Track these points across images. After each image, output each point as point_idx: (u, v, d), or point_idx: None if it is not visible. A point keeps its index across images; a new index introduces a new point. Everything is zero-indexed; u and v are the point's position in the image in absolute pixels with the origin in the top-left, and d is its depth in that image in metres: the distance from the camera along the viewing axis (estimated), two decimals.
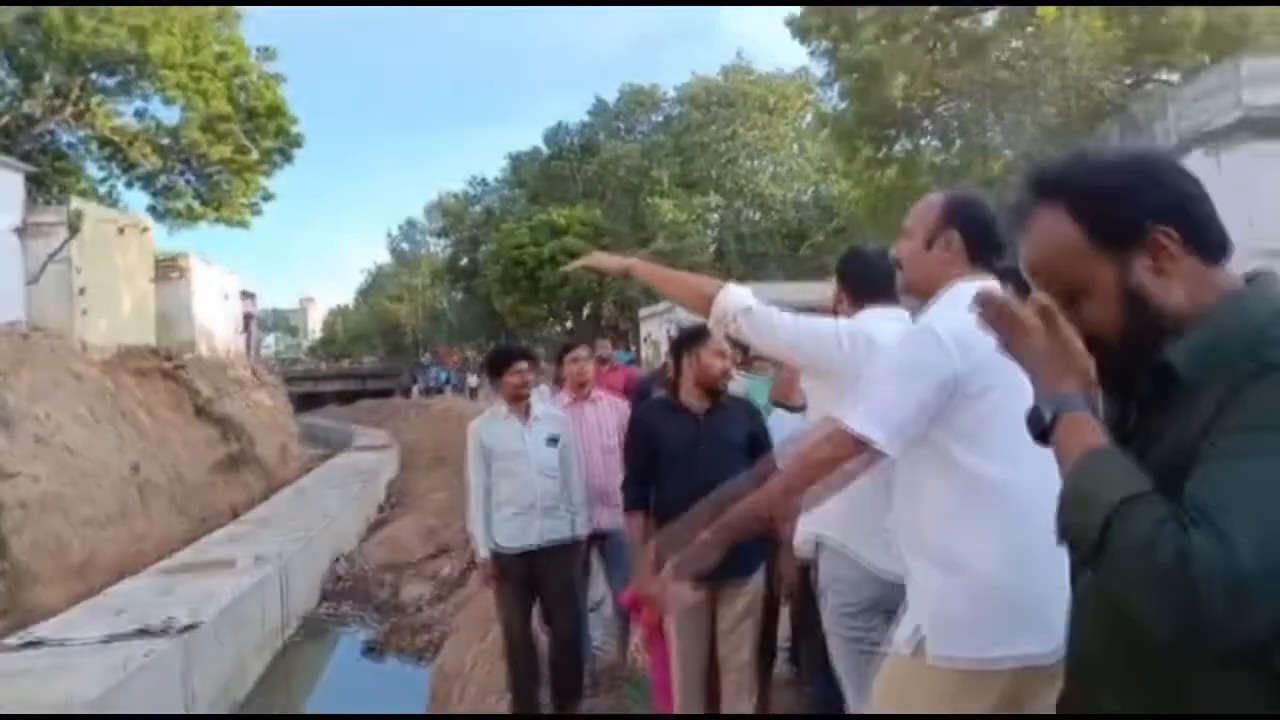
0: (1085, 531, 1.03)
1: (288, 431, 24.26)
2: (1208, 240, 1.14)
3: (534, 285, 37.30)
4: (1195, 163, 12.02)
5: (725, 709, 3.30)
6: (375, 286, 72.59)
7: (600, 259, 2.91)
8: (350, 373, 59.26)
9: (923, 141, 19.37)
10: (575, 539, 4.38)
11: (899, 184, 19.30)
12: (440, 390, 44.02)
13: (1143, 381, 1.17)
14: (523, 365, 4.34)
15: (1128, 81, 14.44)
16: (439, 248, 58.61)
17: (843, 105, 20.59)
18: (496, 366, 4.42)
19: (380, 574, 12.71)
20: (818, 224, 34.15)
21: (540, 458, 4.30)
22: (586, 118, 44.85)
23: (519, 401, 4.34)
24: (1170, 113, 13.16)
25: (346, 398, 51.86)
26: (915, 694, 1.83)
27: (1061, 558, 1.39)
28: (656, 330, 32.90)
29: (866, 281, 2.61)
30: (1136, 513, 0.99)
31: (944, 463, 1.85)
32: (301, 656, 10.22)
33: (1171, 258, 1.12)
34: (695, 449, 3.30)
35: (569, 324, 42.36)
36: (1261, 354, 1.03)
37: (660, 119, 42.20)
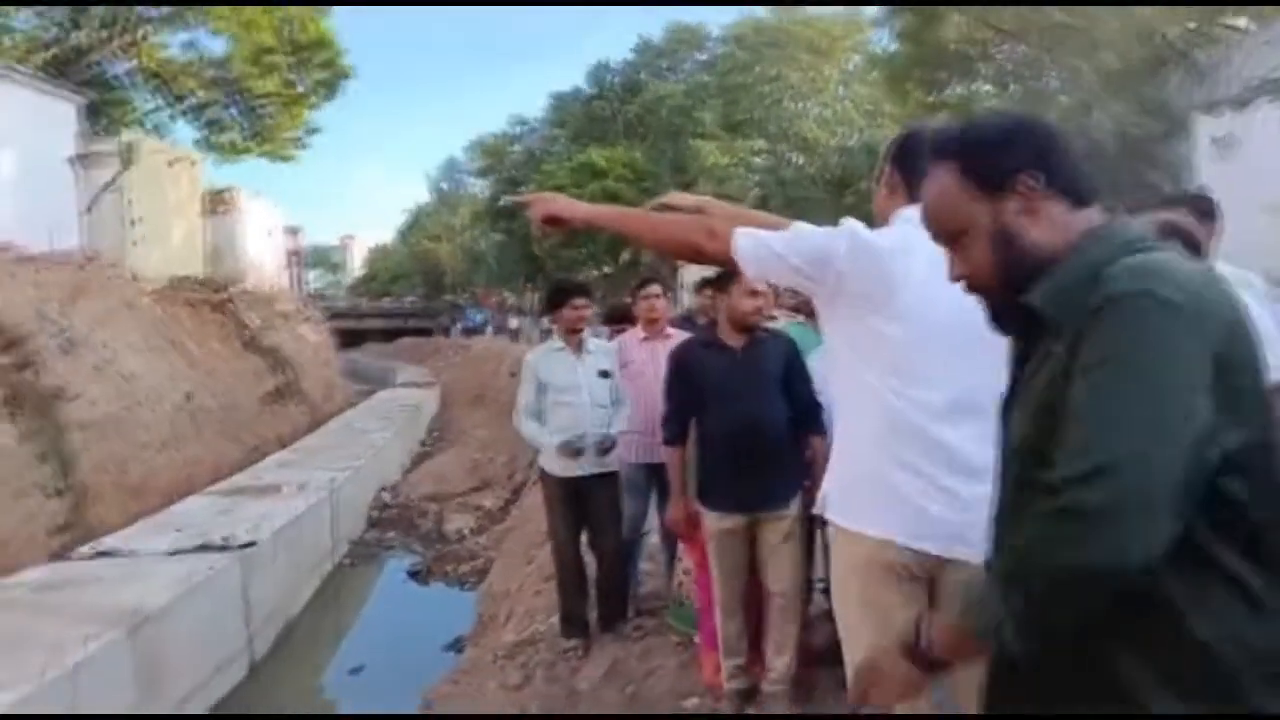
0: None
1: (332, 366, 24.72)
2: (1072, 186, 1.29)
3: (573, 228, 37.21)
4: (1260, 112, 11.65)
5: (771, 633, 3.43)
6: (416, 226, 72.83)
7: (552, 205, 2.34)
8: (391, 311, 59.91)
9: (975, 86, 18.88)
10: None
11: None
12: (480, 331, 44.42)
13: (1016, 323, 1.32)
14: (580, 300, 4.45)
15: (1192, 26, 13.87)
16: (479, 188, 58.50)
17: (895, 48, 20.10)
18: (555, 300, 4.54)
19: (424, 504, 13.10)
20: (864, 170, 33.56)
21: (593, 390, 4.44)
22: (631, 56, 44.22)
23: (574, 335, 4.46)
24: (1236, 60, 12.70)
25: (387, 335, 52.54)
26: (837, 550, 2.19)
27: (937, 464, 1.92)
28: (695, 275, 32.74)
29: (922, 169, 2.41)
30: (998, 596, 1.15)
31: (846, 371, 2.13)
32: (350, 578, 10.61)
33: (1036, 199, 1.28)
34: (733, 383, 3.37)
35: (607, 268, 42.25)
36: (1102, 288, 1.14)
37: (705, 58, 41.41)
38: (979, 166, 1.30)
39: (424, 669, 7.43)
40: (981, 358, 1.59)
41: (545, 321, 36.28)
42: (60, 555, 8.75)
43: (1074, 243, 1.25)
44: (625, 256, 41.75)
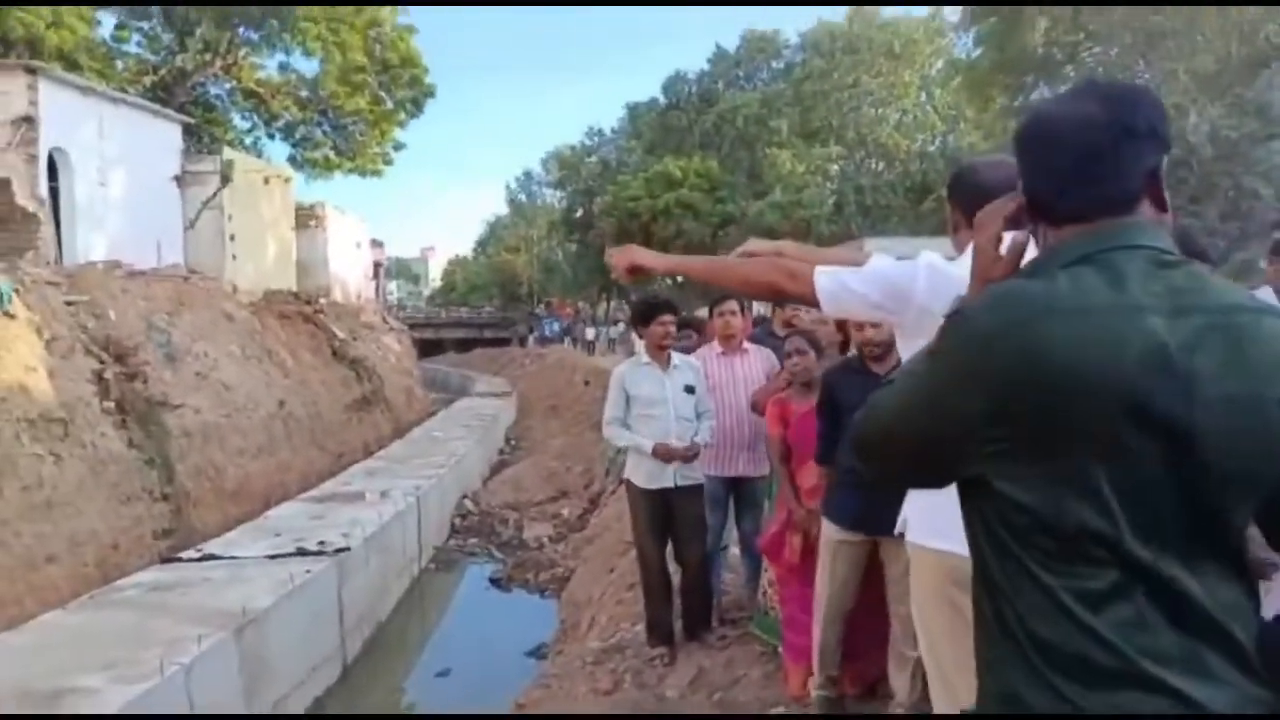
0: None
1: (412, 375, 25.40)
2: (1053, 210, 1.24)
3: (647, 238, 37.36)
4: None
5: (891, 657, 3.45)
6: (493, 237, 74.26)
7: (634, 255, 2.37)
8: (468, 321, 61.07)
9: (1063, 90, 18.44)
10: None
11: None
12: (557, 340, 44.96)
13: None
14: (667, 317, 4.54)
15: None
16: (555, 199, 59.35)
17: (977, 52, 19.76)
18: (644, 316, 4.64)
19: (504, 512, 13.36)
20: (943, 176, 32.97)
21: (678, 404, 4.53)
22: (706, 66, 44.36)
23: (662, 351, 4.55)
24: None
25: (465, 345, 53.57)
26: (915, 571, 2.29)
27: None
28: None
29: (980, 199, 2.41)
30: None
31: None
32: (434, 583, 10.91)
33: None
34: None
35: (679, 279, 42.32)
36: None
37: (781, 66, 41.28)
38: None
39: (509, 673, 7.62)
40: None
41: (612, 331, 36.53)
42: (166, 557, 9.24)
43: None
44: None
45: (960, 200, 2.24)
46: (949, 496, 2.06)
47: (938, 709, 2.24)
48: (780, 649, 4.15)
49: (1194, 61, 12.80)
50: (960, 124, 32.88)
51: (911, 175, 34.29)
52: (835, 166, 36.23)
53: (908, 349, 2.19)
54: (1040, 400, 1.06)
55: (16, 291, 9.96)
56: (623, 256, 2.39)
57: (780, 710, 3.85)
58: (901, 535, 3.31)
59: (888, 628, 3.49)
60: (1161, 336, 1.05)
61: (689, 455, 4.46)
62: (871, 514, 3.36)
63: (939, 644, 2.16)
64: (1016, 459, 1.09)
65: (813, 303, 2.18)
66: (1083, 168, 1.17)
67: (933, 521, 2.15)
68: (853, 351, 4.00)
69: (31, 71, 13.32)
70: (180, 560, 8.30)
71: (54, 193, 13.73)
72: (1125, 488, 1.05)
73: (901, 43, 33.63)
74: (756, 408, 4.54)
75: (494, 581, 10.61)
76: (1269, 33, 12.76)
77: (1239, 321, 1.08)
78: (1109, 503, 1.05)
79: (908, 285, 2.05)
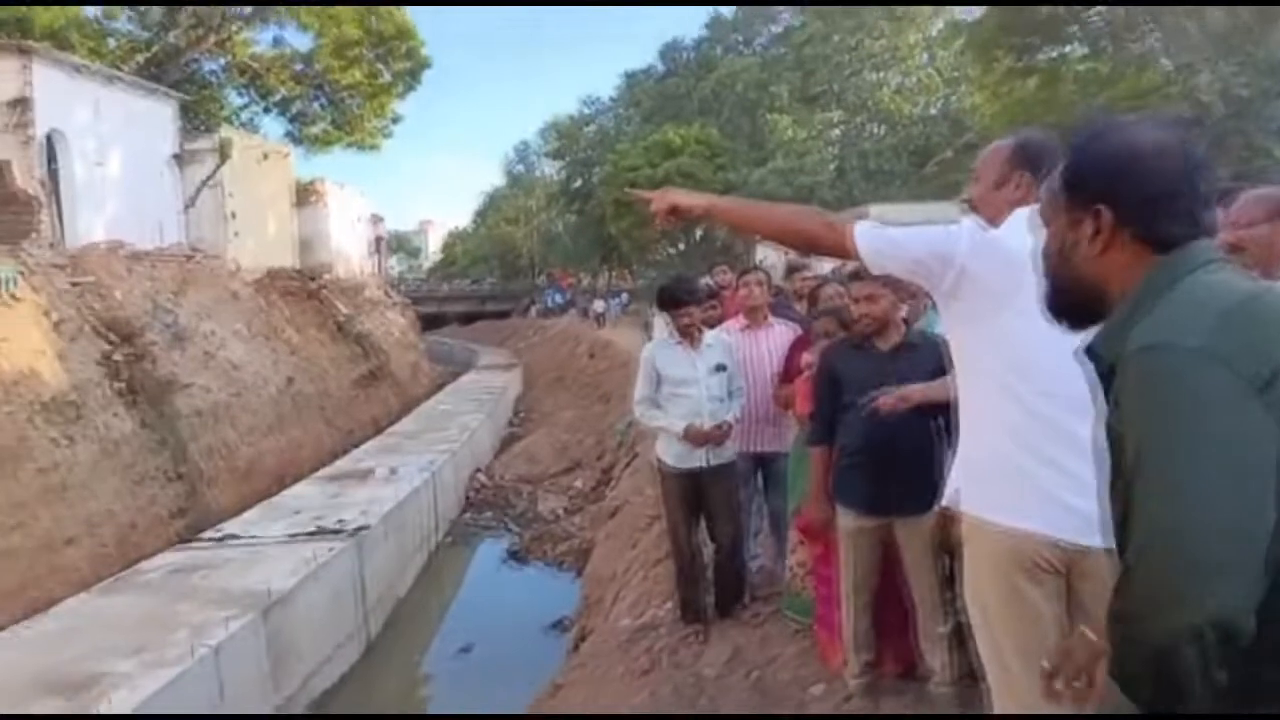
0: None
1: (417, 349, 25.37)
2: (1154, 230, 1.24)
3: (647, 207, 37.12)
4: None
5: (921, 636, 3.43)
6: (491, 209, 73.69)
7: (672, 196, 2.38)
8: (470, 294, 60.87)
9: (1068, 50, 18.14)
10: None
11: (1040, 96, 18.19)
12: (560, 312, 44.81)
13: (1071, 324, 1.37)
14: (687, 311, 4.45)
15: None
16: (553, 170, 58.83)
17: (980, 12, 19.44)
18: (663, 306, 4.57)
19: (517, 485, 13.39)
20: (946, 139, 32.62)
21: (709, 384, 4.47)
22: (704, 32, 43.77)
23: (689, 334, 4.49)
24: None
25: (467, 318, 53.46)
26: (971, 548, 2.17)
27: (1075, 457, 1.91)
28: (773, 255, 32.38)
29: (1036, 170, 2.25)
30: None
31: (972, 365, 2.15)
32: (451, 559, 10.95)
33: (1101, 233, 1.26)
34: (877, 386, 3.33)
35: (681, 246, 42.12)
36: (1132, 336, 1.14)
37: (780, 30, 40.72)
38: (1071, 176, 1.32)
39: (532, 648, 7.68)
40: None
41: (614, 305, 36.27)
42: (182, 538, 9.26)
43: (1131, 288, 1.24)
44: (699, 233, 41.59)
45: (1032, 168, 2.16)
46: (1005, 462, 2.03)
47: (996, 695, 2.19)
48: (815, 626, 4.14)
49: (1205, 19, 12.58)
50: (962, 86, 32.48)
51: (914, 139, 33.96)
52: (837, 131, 35.86)
53: (949, 312, 2.16)
54: None
55: (21, 275, 9.88)
56: (661, 199, 2.37)
57: (820, 687, 3.84)
58: (919, 514, 3.30)
59: (912, 605, 3.48)
60: None
61: (720, 437, 4.41)
62: (883, 496, 3.32)
63: (996, 629, 2.09)
64: None
65: (847, 254, 2.16)
66: (1192, 193, 1.24)
67: (992, 493, 2.08)
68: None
69: (25, 53, 13.12)
70: (200, 541, 8.31)
71: (52, 175, 13.58)
72: None
73: (902, 4, 33.11)
74: (779, 398, 4.51)
75: (511, 554, 10.65)
76: None
77: None
78: None
79: (951, 245, 2.03)
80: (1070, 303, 1.35)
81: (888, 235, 2.08)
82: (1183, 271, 1.20)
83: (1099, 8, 16.53)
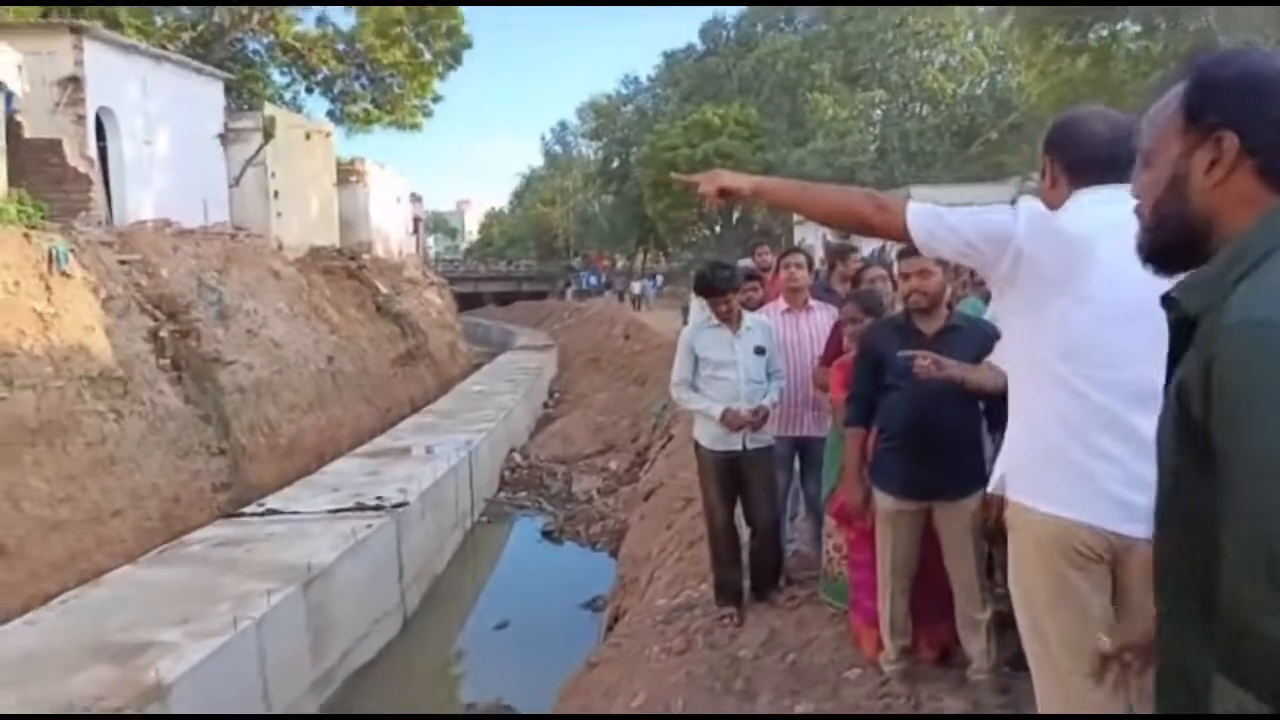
0: None
1: (454, 329, 25.57)
2: (1273, 165, 1.14)
3: (685, 188, 36.92)
4: None
5: (960, 622, 3.41)
6: (528, 189, 73.89)
7: (719, 177, 2.33)
8: (507, 275, 61.21)
9: (1120, 27, 17.66)
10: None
11: (1090, 75, 17.78)
12: (597, 293, 44.85)
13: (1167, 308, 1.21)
14: (725, 299, 4.41)
15: None
16: (591, 150, 58.75)
17: None
18: (704, 294, 4.54)
19: (552, 466, 13.47)
20: (991, 120, 32.03)
21: (749, 366, 4.44)
22: (744, 9, 43.31)
23: (727, 319, 4.46)
24: None
25: (503, 299, 53.80)
26: (1017, 535, 2.13)
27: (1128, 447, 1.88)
28: (811, 236, 32.10)
29: (1077, 156, 2.18)
30: None
31: (1026, 351, 2.10)
32: (487, 536, 11.06)
33: (1222, 161, 1.15)
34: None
35: (718, 228, 41.91)
36: (1237, 300, 1.03)
37: (822, 8, 40.19)
38: (1192, 99, 1.20)
39: (567, 626, 7.74)
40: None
41: (649, 286, 36.12)
42: (225, 513, 9.44)
43: (1243, 229, 1.13)
44: (737, 215, 41.30)
45: (1059, 153, 2.15)
46: (1054, 450, 1.99)
47: (1039, 684, 2.16)
48: (849, 612, 4.11)
49: None
50: (1009, 64, 31.80)
51: (958, 119, 33.39)
52: (879, 111, 35.33)
53: (1004, 297, 2.11)
54: None
55: (72, 252, 10.09)
56: (710, 181, 2.33)
57: (856, 672, 3.81)
58: (959, 498, 3.26)
59: (950, 591, 3.44)
60: None
61: (758, 422, 4.38)
62: (922, 480, 3.29)
63: (1043, 619, 2.05)
64: None
65: (900, 236, 2.11)
66: None
67: (1041, 480, 2.04)
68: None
69: (77, 31, 13.31)
70: (243, 515, 8.47)
71: (102, 153, 13.81)
72: None
73: None
74: (816, 379, 4.47)
75: (546, 534, 10.73)
76: None
77: None
78: None
79: (1007, 228, 1.97)
80: (1171, 242, 1.23)
81: (941, 216, 2.03)
82: None
83: None
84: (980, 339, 3.28)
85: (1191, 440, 1.10)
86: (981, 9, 31.41)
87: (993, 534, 3.51)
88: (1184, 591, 1.14)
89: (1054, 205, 2.12)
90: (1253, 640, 0.95)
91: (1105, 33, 17.67)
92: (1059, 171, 2.14)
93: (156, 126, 15.03)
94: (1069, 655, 1.93)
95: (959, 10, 32.86)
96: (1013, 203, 2.12)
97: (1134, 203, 1.32)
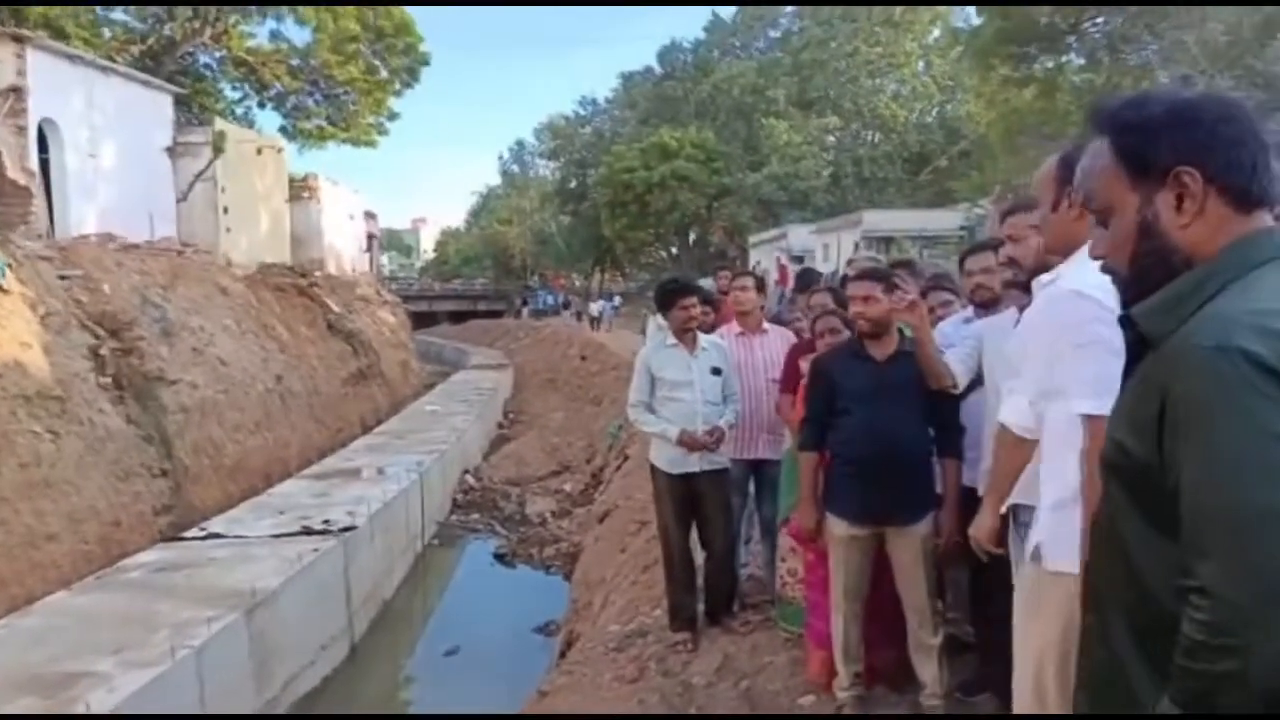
0: None
1: (408, 348, 25.23)
2: (1238, 186, 1.16)
3: (642, 210, 37.08)
4: None
5: (912, 647, 3.41)
6: (485, 208, 73.58)
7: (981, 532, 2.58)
8: (462, 293, 60.70)
9: (1065, 60, 18.17)
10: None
11: (1036, 105, 18.25)
12: (555, 312, 44.68)
13: (1125, 330, 1.23)
14: (689, 300, 4.42)
15: None
16: (548, 170, 58.77)
17: (979, 20, 19.47)
18: (664, 301, 4.52)
19: (506, 488, 13.31)
20: (941, 147, 32.75)
21: (705, 387, 4.43)
22: (702, 35, 43.84)
23: (686, 333, 4.44)
24: None
25: (458, 318, 53.30)
26: (1050, 597, 2.10)
27: None
28: (766, 258, 32.43)
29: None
30: None
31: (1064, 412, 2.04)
32: (438, 559, 10.87)
33: (1191, 196, 1.16)
34: (871, 393, 3.31)
35: (674, 250, 42.14)
36: (1190, 330, 1.06)
37: (778, 35, 40.83)
38: (1130, 151, 1.21)
39: (518, 652, 7.62)
40: None
41: (607, 307, 36.10)
42: (167, 535, 9.15)
43: (1217, 252, 1.15)
44: (693, 236, 41.60)
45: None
46: (1076, 511, 1.96)
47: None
48: (804, 634, 4.10)
49: (1203, 31, 12.62)
50: (958, 93, 32.58)
51: (909, 146, 34.07)
52: (832, 137, 35.96)
53: (1058, 381, 2.08)
54: None
55: (10, 266, 9.76)
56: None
57: (810, 699, 3.79)
58: (911, 523, 3.26)
59: (902, 615, 3.44)
60: None
61: (713, 444, 4.37)
62: (875, 504, 3.30)
63: (1048, 669, 2.10)
64: None
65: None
66: (1261, 144, 1.17)
67: (1070, 543, 1.99)
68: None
69: (19, 40, 12.97)
70: (184, 539, 8.21)
71: (44, 165, 13.44)
72: None
73: (901, 11, 33.21)
74: (780, 408, 4.45)
75: (498, 557, 10.57)
76: None
77: None
78: None
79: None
80: (1156, 285, 1.20)
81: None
82: (1267, 255, 1.12)
83: (1098, 19, 16.58)
84: None
85: (1130, 464, 1.13)
86: (931, 39, 32.20)
87: (944, 559, 3.54)
88: (1116, 605, 1.19)
89: (1076, 235, 2.11)
90: (1237, 683, 0.96)
91: (1051, 64, 18.16)
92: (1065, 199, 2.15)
93: (102, 139, 14.68)
94: (1063, 699, 1.99)
95: (910, 40, 33.64)
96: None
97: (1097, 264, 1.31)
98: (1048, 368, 2.09)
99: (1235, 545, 0.98)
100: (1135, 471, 1.13)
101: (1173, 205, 1.17)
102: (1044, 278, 2.37)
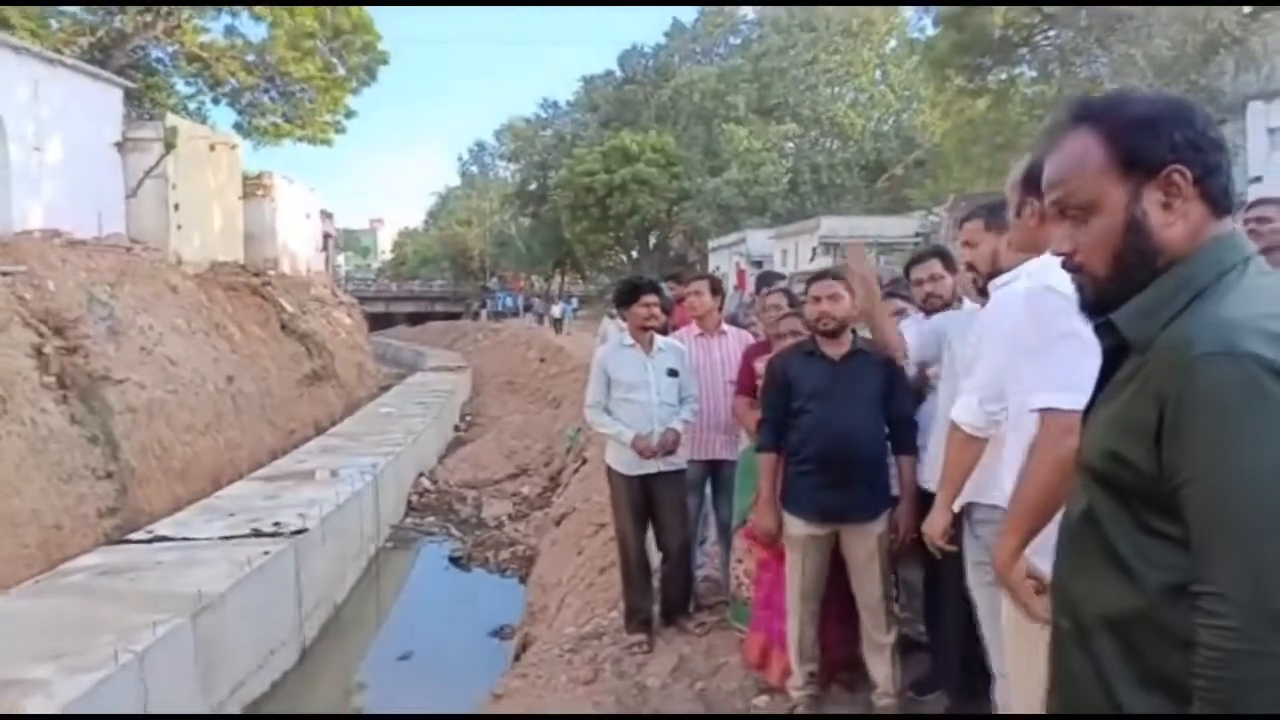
0: None
1: (364, 350, 24.90)
2: (1217, 190, 1.17)
3: (603, 213, 37.09)
4: None
5: (865, 646, 3.44)
6: (444, 209, 73.03)
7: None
8: (420, 295, 60.18)
9: (1018, 72, 18.59)
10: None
11: (990, 116, 18.65)
12: (514, 314, 44.42)
13: (1103, 335, 1.23)
14: (650, 298, 4.42)
15: (1247, 11, 13.57)
16: (508, 172, 58.53)
17: (934, 32, 19.84)
18: (626, 297, 4.52)
19: (462, 491, 13.18)
20: (898, 155, 33.24)
21: (660, 389, 4.43)
22: (662, 40, 43.99)
23: (644, 332, 4.44)
24: None
25: (416, 319, 52.82)
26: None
27: None
28: (726, 263, 32.64)
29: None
30: None
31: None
32: (392, 563, 10.72)
33: (1180, 195, 1.16)
34: (827, 392, 3.34)
35: (635, 253, 42.20)
36: (1188, 341, 1.06)
37: (738, 42, 41.12)
38: (1129, 143, 1.17)
39: (472, 656, 7.54)
40: None
41: (569, 309, 36.01)
42: (111, 538, 8.91)
43: (1191, 254, 1.15)
44: (653, 240, 41.70)
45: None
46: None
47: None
48: (748, 630, 4.09)
49: (1150, 46, 12.98)
50: (914, 103, 33.10)
51: (866, 154, 34.51)
52: (791, 144, 36.29)
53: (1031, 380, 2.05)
54: None
55: None
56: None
57: (764, 699, 3.80)
58: (866, 521, 3.29)
59: (855, 615, 3.47)
60: None
61: (668, 447, 4.37)
62: (832, 503, 3.33)
63: (1034, 672, 2.12)
64: None
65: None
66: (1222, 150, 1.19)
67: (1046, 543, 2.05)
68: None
69: None
70: (130, 542, 8.01)
71: None
72: None
73: (859, 21, 33.65)
74: (737, 410, 4.46)
75: (454, 560, 10.46)
76: (1223, 20, 12.98)
77: None
78: None
79: None
80: (1135, 287, 1.18)
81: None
82: (1239, 258, 1.14)
83: (1050, 32, 16.97)
84: (884, 363, 3.37)
85: (1124, 472, 1.12)
86: (888, 49, 32.67)
87: (897, 556, 3.58)
88: (1096, 609, 1.18)
89: (1040, 243, 2.13)
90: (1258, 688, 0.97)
91: (1004, 76, 18.55)
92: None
93: (48, 133, 14.28)
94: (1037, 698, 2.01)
95: (867, 50, 34.09)
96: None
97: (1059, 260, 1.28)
98: (1011, 365, 2.11)
99: (1258, 549, 0.98)
100: (1129, 479, 1.12)
101: (1159, 203, 1.17)
102: (999, 280, 2.41)
